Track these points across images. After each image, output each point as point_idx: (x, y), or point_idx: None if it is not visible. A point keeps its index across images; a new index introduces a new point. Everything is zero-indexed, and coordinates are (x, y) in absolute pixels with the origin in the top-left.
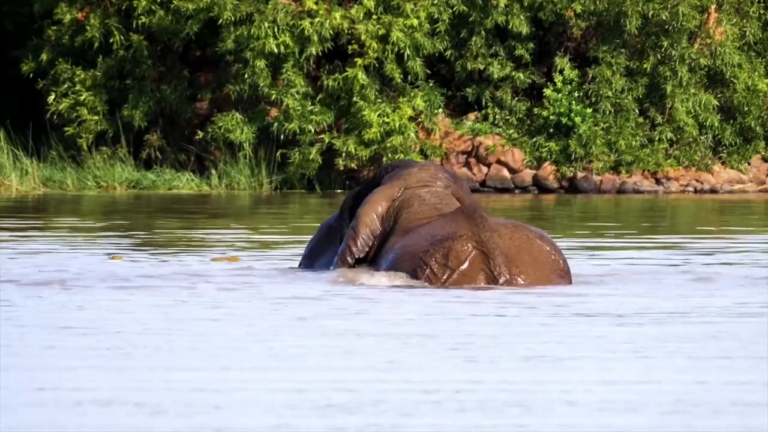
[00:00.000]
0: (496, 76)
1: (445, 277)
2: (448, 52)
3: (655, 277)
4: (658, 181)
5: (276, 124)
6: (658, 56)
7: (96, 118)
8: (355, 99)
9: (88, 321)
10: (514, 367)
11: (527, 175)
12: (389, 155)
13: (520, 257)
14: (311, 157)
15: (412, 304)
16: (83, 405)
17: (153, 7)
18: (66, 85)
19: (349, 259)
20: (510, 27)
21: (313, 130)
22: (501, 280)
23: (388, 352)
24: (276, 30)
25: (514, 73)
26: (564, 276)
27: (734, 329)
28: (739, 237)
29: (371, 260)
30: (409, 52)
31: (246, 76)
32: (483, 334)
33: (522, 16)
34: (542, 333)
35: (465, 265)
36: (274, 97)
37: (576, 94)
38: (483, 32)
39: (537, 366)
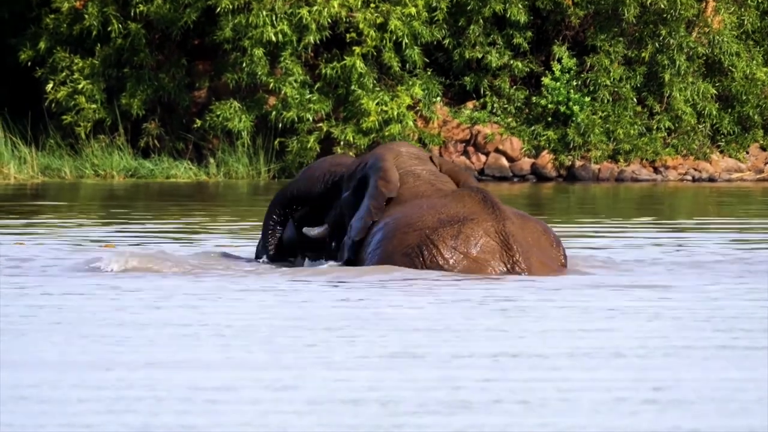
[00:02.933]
0: (494, 64)
1: (452, 261)
2: (447, 41)
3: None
4: (656, 170)
5: (274, 112)
6: (656, 45)
7: (94, 106)
8: (353, 87)
9: (74, 309)
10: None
11: (525, 163)
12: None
13: (532, 250)
14: (309, 145)
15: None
16: (66, 403)
17: None
18: (64, 74)
19: (381, 201)
20: (508, 15)
21: (311, 119)
22: (516, 271)
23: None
24: (274, 18)
25: (512, 62)
26: (564, 268)
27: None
28: (734, 225)
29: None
30: (407, 41)
31: (244, 64)
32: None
33: (520, 5)
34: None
35: (477, 253)
36: (272, 85)
37: (574, 83)
38: (481, 21)
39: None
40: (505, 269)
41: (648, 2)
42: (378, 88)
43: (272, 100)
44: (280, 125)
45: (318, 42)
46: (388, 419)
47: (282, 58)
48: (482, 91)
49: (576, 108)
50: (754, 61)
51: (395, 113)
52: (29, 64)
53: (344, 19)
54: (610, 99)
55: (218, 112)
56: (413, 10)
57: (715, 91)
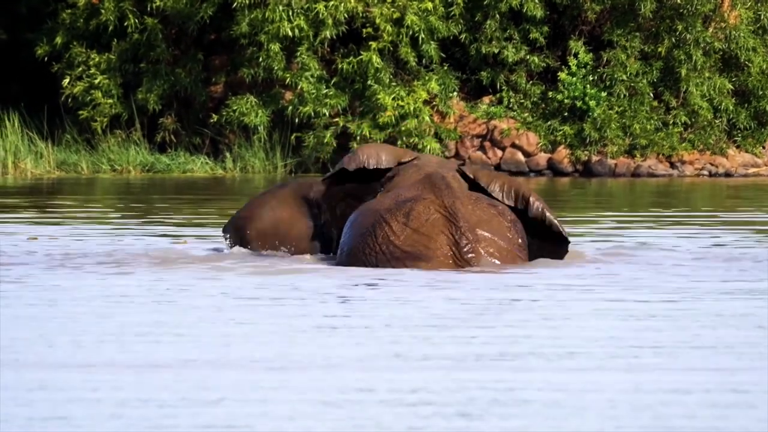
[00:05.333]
0: (510, 59)
1: (403, 237)
2: (463, 36)
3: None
4: (672, 165)
5: (290, 107)
6: (673, 40)
7: (110, 101)
8: (369, 82)
9: (81, 303)
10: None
11: (542, 158)
12: (404, 139)
13: (481, 226)
14: (326, 140)
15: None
16: (68, 402)
17: None
18: (80, 69)
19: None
20: (524, 10)
21: (327, 114)
22: (463, 243)
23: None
24: (290, 13)
25: (528, 57)
26: (520, 251)
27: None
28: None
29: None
30: (423, 36)
31: (260, 59)
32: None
33: (536, 0)
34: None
35: (425, 227)
36: (288, 80)
37: (590, 78)
38: (497, 16)
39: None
40: (451, 240)
41: None
42: (394, 83)
43: (289, 95)
44: (297, 120)
45: (334, 37)
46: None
47: (298, 53)
48: (498, 86)
49: (592, 103)
50: None
51: (411, 108)
52: (46, 59)
53: (361, 14)
54: (627, 94)
55: (234, 107)
56: (430, 5)
57: (731, 86)
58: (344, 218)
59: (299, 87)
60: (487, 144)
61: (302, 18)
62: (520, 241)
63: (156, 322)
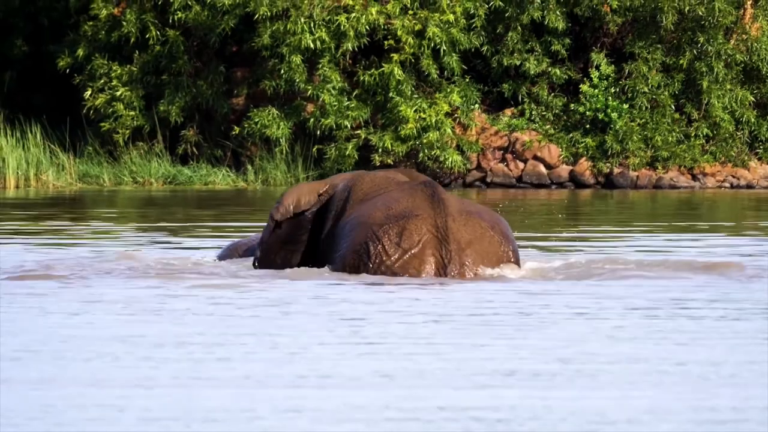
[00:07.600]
0: (532, 71)
1: (395, 257)
2: (485, 48)
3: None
4: (694, 177)
5: (312, 119)
6: (695, 52)
7: (132, 113)
8: (391, 94)
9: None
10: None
11: (564, 170)
12: (425, 151)
13: (471, 246)
14: (347, 152)
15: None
16: (87, 408)
17: (189, 3)
18: (102, 81)
19: (259, 256)
20: (546, 22)
21: (349, 126)
22: (450, 266)
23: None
24: (312, 25)
25: (550, 69)
26: (515, 262)
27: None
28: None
29: (326, 234)
30: (445, 48)
31: (282, 71)
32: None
33: (558, 12)
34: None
35: (417, 248)
36: (310, 92)
37: (612, 90)
38: (519, 28)
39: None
40: (440, 263)
41: (686, 9)
42: (416, 95)
43: (310, 107)
44: (318, 132)
45: (356, 49)
46: None
47: (320, 65)
48: (520, 99)
49: (614, 115)
50: None
51: (433, 120)
52: (68, 71)
53: (382, 26)
54: (648, 106)
55: (256, 119)
56: (451, 17)
57: (753, 98)
58: (288, 264)
59: (321, 99)
60: (508, 156)
61: (324, 30)
62: (510, 254)
63: (152, 335)
